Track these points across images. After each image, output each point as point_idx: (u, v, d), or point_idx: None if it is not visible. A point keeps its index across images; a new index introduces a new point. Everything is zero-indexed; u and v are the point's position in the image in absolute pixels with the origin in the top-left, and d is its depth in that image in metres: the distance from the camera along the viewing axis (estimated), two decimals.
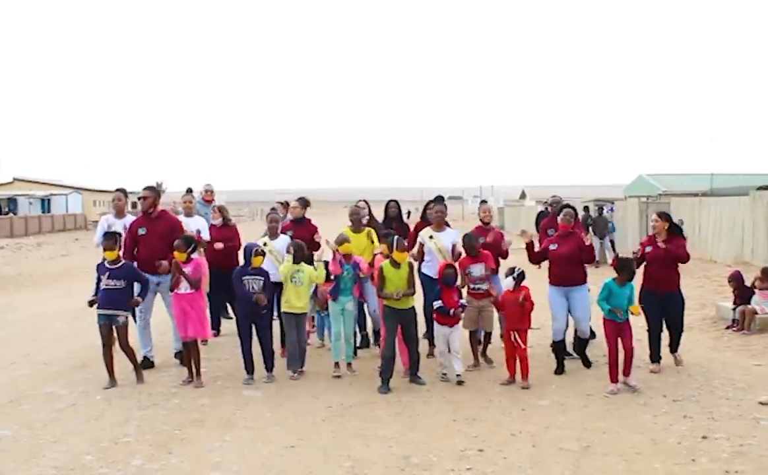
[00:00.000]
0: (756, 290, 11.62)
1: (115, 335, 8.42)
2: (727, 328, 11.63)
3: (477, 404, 7.79)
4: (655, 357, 9.10)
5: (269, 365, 8.72)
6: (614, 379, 8.16)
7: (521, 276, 8.64)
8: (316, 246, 10.05)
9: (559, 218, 9.30)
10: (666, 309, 9.06)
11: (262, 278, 8.60)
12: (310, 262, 9.32)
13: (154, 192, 9.54)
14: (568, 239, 9.09)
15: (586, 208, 25.13)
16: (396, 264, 8.49)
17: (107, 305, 8.33)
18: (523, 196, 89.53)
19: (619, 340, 8.20)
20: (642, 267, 9.12)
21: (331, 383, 8.65)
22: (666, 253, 8.87)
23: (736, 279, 12.01)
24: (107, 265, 8.43)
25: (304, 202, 10.94)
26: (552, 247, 9.12)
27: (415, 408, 7.66)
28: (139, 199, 9.49)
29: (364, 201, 10.68)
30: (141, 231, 9.26)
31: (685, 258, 9.09)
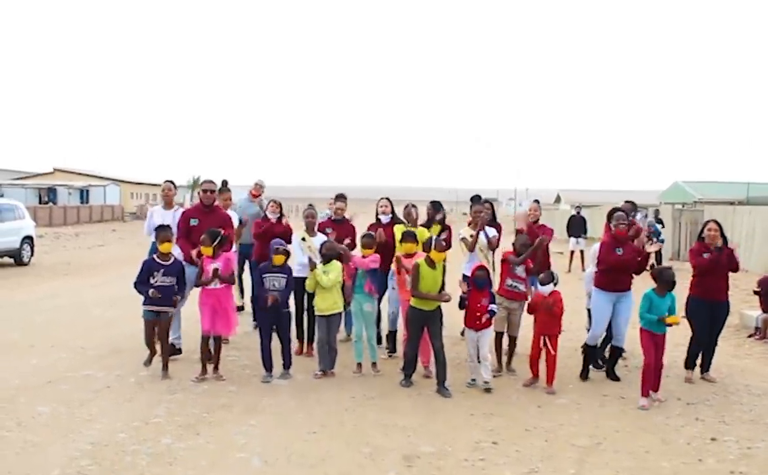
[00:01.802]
0: None
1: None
2: (750, 336, 11.75)
3: (495, 401, 8.02)
4: (691, 364, 9.08)
5: (287, 363, 8.72)
6: (646, 393, 7.97)
7: (549, 277, 8.63)
8: (353, 246, 10.11)
9: (612, 225, 8.87)
10: (714, 319, 8.98)
11: (285, 276, 8.58)
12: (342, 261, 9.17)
13: (215, 186, 9.66)
14: (629, 245, 8.86)
15: (656, 213, 25.36)
16: (432, 264, 8.38)
17: (160, 301, 8.45)
18: (558, 200, 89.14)
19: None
20: (691, 276, 9.10)
21: (355, 375, 8.91)
22: (726, 260, 8.82)
23: (764, 285, 12.08)
24: (160, 261, 8.52)
25: (345, 200, 10.87)
26: (618, 251, 8.74)
27: (435, 402, 7.91)
28: (204, 191, 9.45)
29: (387, 199, 10.58)
30: (193, 222, 9.29)
31: (736, 268, 9.05)
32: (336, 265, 8.88)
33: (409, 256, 8.92)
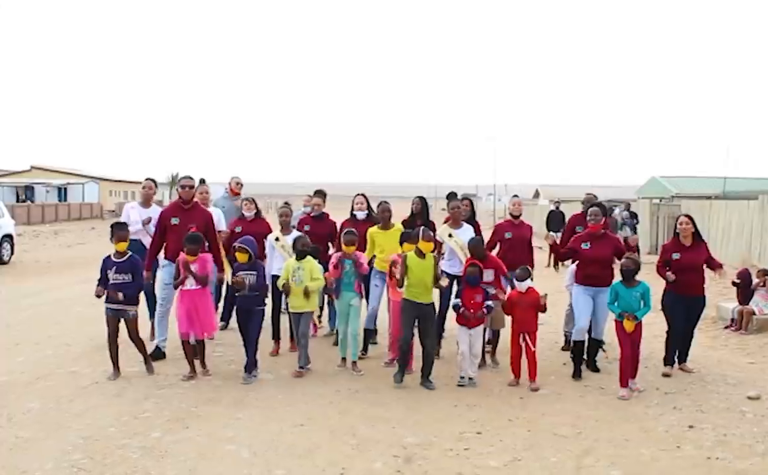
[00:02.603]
0: (755, 291, 11.99)
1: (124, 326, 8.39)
2: (726, 327, 11.98)
3: (478, 393, 8.18)
4: (670, 360, 9.14)
5: (249, 366, 8.50)
6: (624, 383, 8.06)
7: (526, 273, 8.55)
8: (335, 242, 9.94)
9: (588, 219, 9.13)
10: (689, 313, 9.07)
11: (255, 273, 8.46)
12: (317, 257, 9.10)
13: (194, 182, 9.54)
14: (602, 240, 8.95)
15: (628, 207, 25.47)
16: (421, 254, 8.34)
17: (116, 299, 8.24)
18: (536, 195, 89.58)
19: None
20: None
21: (340, 369, 8.99)
22: (697, 260, 8.92)
23: (743, 277, 12.32)
24: (114, 259, 8.31)
25: (323, 196, 10.76)
26: (584, 246, 8.94)
27: (419, 395, 8.05)
28: (182, 188, 9.27)
29: (363, 195, 10.46)
30: (174, 221, 9.13)
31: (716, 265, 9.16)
32: (310, 261, 8.75)
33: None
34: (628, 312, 8.10)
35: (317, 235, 9.73)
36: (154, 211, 9.91)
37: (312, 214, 10.60)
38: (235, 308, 8.89)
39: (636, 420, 7.26)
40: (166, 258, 9.18)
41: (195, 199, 9.54)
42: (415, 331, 8.52)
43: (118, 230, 8.40)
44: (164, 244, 9.24)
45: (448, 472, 5.89)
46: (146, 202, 10.26)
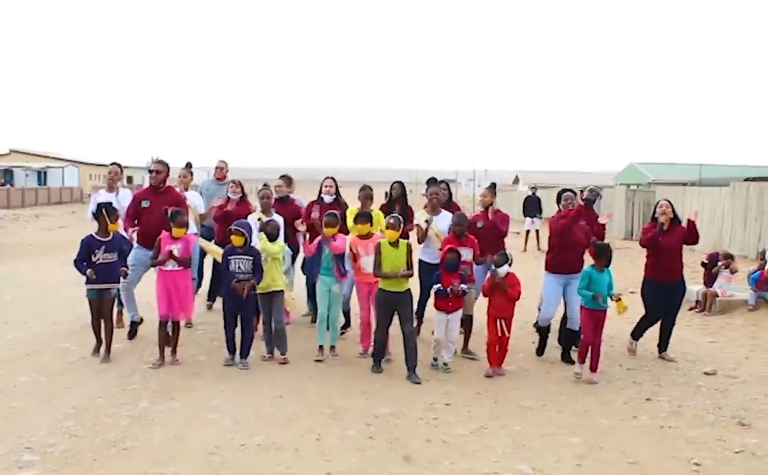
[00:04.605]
0: (718, 274, 12.47)
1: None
2: (691, 309, 12.44)
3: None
4: (637, 335, 9.36)
5: (245, 352, 8.47)
6: (583, 360, 8.20)
7: (503, 258, 8.46)
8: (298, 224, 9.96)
9: (560, 204, 9.16)
10: (669, 300, 9.19)
11: (252, 258, 8.34)
12: (286, 241, 9.28)
13: (166, 167, 9.53)
14: (575, 225, 8.90)
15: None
16: (393, 243, 8.42)
17: (103, 278, 8.26)
18: (516, 181, 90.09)
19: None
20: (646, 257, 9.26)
21: (317, 347, 9.08)
22: (674, 243, 9.01)
23: (712, 259, 12.78)
24: (100, 238, 8.35)
25: (288, 180, 10.96)
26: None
27: (393, 369, 8.46)
28: (150, 171, 9.42)
29: (332, 178, 10.50)
30: (144, 204, 9.25)
31: (696, 240, 9.20)
32: (279, 244, 8.80)
33: (363, 237, 8.87)
34: (613, 294, 8.17)
35: (282, 218, 9.81)
36: (123, 196, 10.01)
37: (276, 198, 10.58)
38: (224, 295, 8.75)
39: (597, 393, 7.71)
40: (137, 241, 9.29)
41: (169, 184, 9.67)
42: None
43: (114, 211, 8.49)
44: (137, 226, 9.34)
45: (417, 439, 6.30)
46: (110, 188, 10.31)
